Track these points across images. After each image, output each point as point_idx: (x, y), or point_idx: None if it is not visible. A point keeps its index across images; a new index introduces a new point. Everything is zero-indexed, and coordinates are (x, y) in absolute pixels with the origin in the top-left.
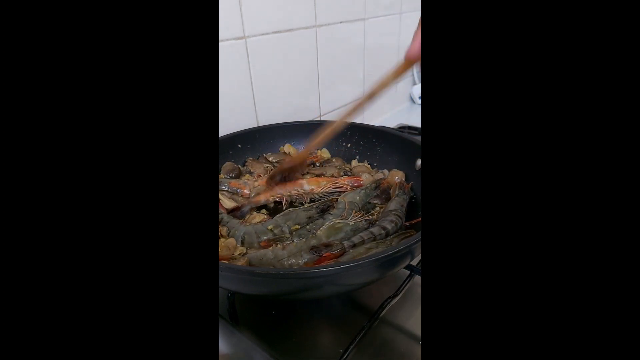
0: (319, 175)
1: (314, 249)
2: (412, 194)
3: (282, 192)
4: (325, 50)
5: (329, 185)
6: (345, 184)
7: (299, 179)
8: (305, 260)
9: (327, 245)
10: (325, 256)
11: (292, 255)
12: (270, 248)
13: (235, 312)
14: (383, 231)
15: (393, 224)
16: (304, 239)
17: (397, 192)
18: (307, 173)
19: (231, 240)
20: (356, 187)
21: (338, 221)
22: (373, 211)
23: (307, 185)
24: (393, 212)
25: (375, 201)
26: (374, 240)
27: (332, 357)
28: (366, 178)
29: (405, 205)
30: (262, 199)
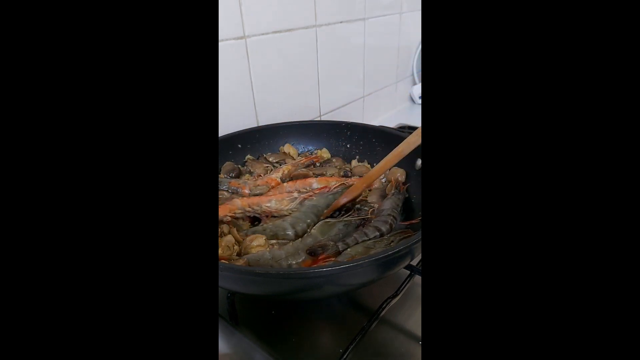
0: (318, 176)
1: (309, 250)
2: (406, 195)
3: (292, 189)
4: (325, 50)
5: (338, 185)
6: None
7: (308, 177)
8: (303, 258)
9: (323, 247)
10: (321, 257)
11: (289, 255)
12: (268, 248)
13: (235, 312)
14: (377, 232)
15: (387, 226)
16: (300, 239)
17: (392, 192)
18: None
19: (230, 238)
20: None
21: (330, 219)
22: (367, 209)
23: (317, 184)
24: (387, 213)
25: (372, 200)
26: (368, 241)
27: (332, 357)
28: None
29: (400, 205)
30: (221, 213)
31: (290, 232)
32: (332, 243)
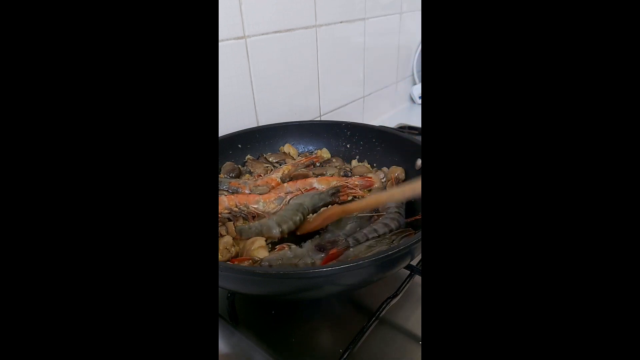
0: (318, 176)
1: (318, 246)
2: None
3: (292, 189)
4: (325, 50)
5: (339, 184)
6: (356, 185)
7: (309, 176)
8: (323, 255)
9: (332, 242)
10: (331, 253)
11: (310, 250)
12: (279, 250)
13: (235, 312)
14: (386, 229)
15: (396, 222)
16: (318, 236)
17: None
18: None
19: (229, 239)
20: (365, 187)
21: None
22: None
23: (317, 184)
24: (395, 210)
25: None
26: (378, 238)
27: (332, 357)
28: (375, 179)
29: (403, 203)
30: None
31: (275, 231)
32: (341, 239)
